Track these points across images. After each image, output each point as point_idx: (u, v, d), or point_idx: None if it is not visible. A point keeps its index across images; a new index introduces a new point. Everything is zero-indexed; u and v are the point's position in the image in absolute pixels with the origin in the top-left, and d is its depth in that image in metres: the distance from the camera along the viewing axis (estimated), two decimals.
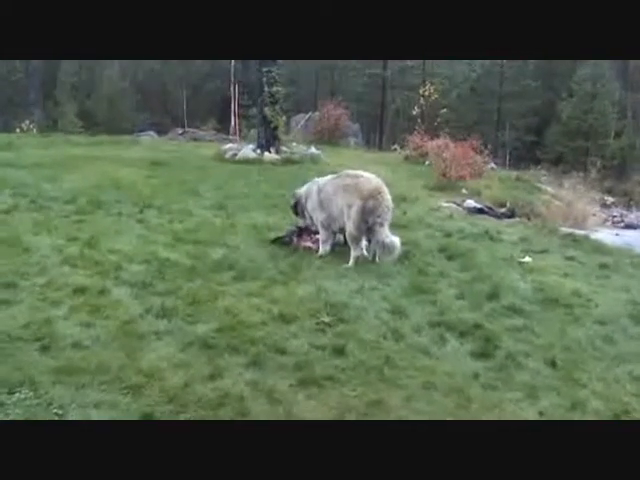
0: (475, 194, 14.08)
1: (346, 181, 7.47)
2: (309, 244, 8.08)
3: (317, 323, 5.68)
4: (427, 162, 19.67)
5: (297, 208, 8.24)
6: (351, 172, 7.81)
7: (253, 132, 22.34)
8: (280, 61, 17.33)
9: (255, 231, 8.77)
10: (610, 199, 22.95)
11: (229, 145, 17.89)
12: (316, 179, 8.17)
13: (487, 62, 37.18)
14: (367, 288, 6.52)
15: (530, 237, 9.70)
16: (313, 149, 18.16)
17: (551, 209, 13.72)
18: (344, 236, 7.67)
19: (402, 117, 38.09)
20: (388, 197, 7.30)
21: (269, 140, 16.91)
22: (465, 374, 4.81)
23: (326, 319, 5.74)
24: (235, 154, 16.65)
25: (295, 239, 8.16)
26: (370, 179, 7.43)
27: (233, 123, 25.78)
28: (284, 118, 18.01)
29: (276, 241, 8.18)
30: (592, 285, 7.17)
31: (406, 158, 20.28)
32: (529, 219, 12.33)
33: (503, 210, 12.90)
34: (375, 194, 7.19)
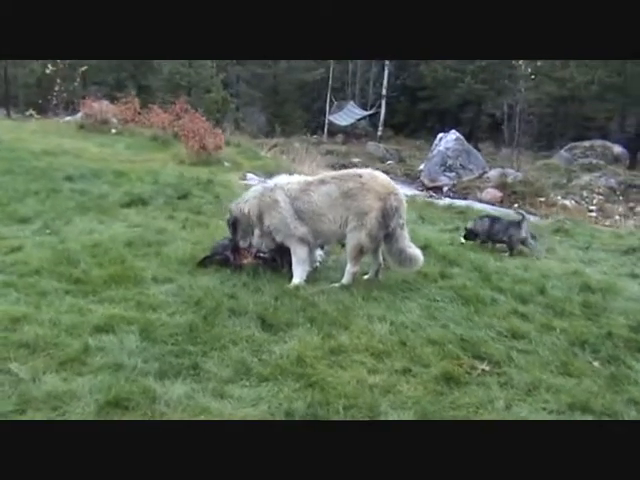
0: (236, 166, 12.66)
1: (346, 185, 5.50)
2: (251, 260, 5.97)
3: (479, 375, 4.16)
4: (114, 130, 17.00)
5: (238, 227, 5.86)
6: (339, 173, 5.85)
7: None
8: None
9: (143, 251, 6.07)
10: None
11: None
12: (268, 184, 5.89)
13: None
14: (433, 310, 5.09)
15: (418, 212, 8.98)
16: None
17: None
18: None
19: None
20: (401, 191, 5.75)
21: None
22: None
23: (485, 367, 4.25)
24: None
25: (231, 256, 5.93)
26: (374, 175, 5.62)
27: None
28: None
29: (205, 262, 5.83)
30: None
31: (82, 127, 16.96)
32: None
33: None
34: (392, 190, 5.52)
